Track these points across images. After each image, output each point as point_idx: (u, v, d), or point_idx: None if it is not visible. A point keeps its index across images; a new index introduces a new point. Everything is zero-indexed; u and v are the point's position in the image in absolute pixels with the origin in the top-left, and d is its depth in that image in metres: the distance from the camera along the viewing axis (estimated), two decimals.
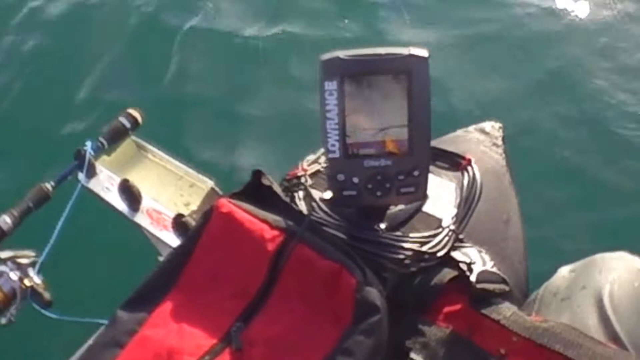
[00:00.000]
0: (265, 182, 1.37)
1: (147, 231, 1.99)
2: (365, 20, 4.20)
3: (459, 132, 1.75)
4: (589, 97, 3.67)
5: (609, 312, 1.30)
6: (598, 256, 1.45)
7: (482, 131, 1.72)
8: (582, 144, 3.42)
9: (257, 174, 1.38)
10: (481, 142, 1.69)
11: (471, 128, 1.74)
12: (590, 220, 3.05)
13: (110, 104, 3.62)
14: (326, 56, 1.26)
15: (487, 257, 1.34)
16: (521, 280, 1.52)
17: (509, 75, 3.81)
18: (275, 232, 1.25)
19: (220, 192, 2.01)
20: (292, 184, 1.48)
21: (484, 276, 1.27)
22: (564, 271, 1.48)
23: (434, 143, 1.36)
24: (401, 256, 1.29)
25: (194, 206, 2.01)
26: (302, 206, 1.41)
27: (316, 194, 1.42)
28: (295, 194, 1.45)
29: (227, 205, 1.30)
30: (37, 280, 1.72)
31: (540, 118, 3.56)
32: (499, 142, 1.69)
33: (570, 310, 1.36)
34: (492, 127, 1.73)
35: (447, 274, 1.29)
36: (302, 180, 1.47)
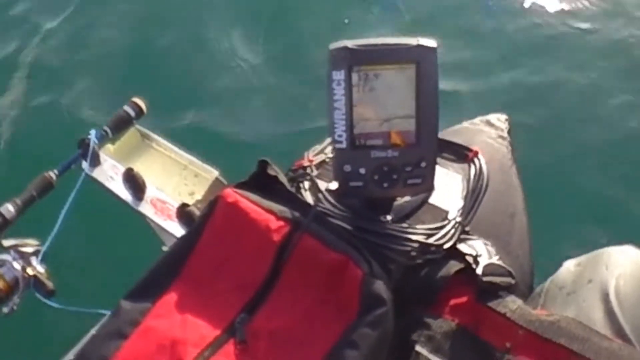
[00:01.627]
0: (271, 172, 1.37)
1: (151, 221, 1.98)
2: (365, 19, 4.18)
3: (465, 123, 1.75)
4: (593, 92, 3.66)
5: (615, 306, 1.30)
6: (604, 250, 1.44)
7: (488, 123, 1.71)
8: (588, 136, 3.42)
9: (263, 164, 1.37)
10: (487, 134, 1.68)
11: (477, 120, 1.74)
12: (597, 214, 3.04)
13: (114, 93, 3.62)
14: (334, 45, 1.25)
15: (493, 250, 1.34)
16: (526, 273, 1.52)
17: (514, 68, 3.80)
18: (281, 223, 1.25)
19: (225, 182, 2.01)
20: (298, 174, 1.47)
21: (490, 269, 1.27)
22: (570, 265, 1.48)
23: (439, 134, 1.35)
24: (407, 248, 1.28)
25: (199, 196, 2.01)
26: (308, 197, 1.40)
27: (322, 184, 1.41)
28: (301, 185, 1.44)
29: (232, 195, 1.29)
30: (40, 269, 1.72)
31: (545, 111, 3.55)
32: (505, 134, 1.69)
33: (575, 304, 1.36)
34: (498, 119, 1.73)
35: (453, 266, 1.29)
36: (308, 170, 1.47)
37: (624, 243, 1.45)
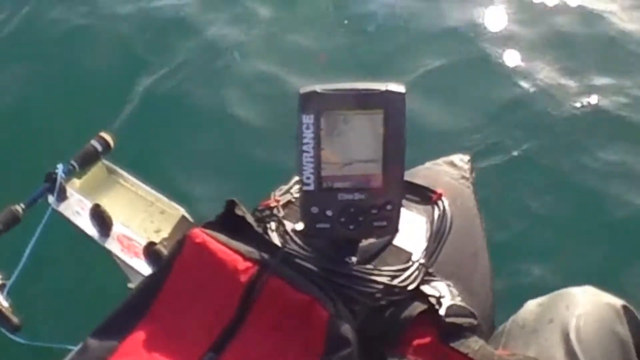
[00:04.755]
0: (238, 212, 1.38)
1: (118, 258, 1.97)
2: (363, 23, 4.20)
3: (428, 164, 1.77)
4: (556, 121, 3.65)
5: (575, 346, 1.32)
6: (565, 290, 1.47)
7: (451, 164, 1.74)
8: (551, 172, 3.40)
9: (231, 204, 1.39)
10: (450, 175, 1.70)
11: (440, 160, 1.76)
12: (557, 254, 3.03)
13: (82, 128, 3.59)
14: (304, 90, 1.27)
15: (455, 291, 1.35)
16: (488, 312, 1.54)
17: (480, 105, 3.79)
18: (248, 264, 1.26)
19: (192, 220, 2.01)
20: (265, 214, 1.48)
21: (452, 310, 1.29)
22: (532, 304, 1.50)
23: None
24: (372, 290, 1.29)
25: (165, 233, 2.01)
26: (275, 237, 1.41)
27: (289, 225, 1.42)
28: (268, 225, 1.45)
29: (200, 235, 1.30)
30: (5, 303, 1.71)
31: (507, 147, 3.54)
32: (467, 174, 1.72)
33: (537, 344, 1.38)
34: (461, 159, 1.76)
35: (417, 307, 1.30)
36: (275, 211, 1.48)
37: (585, 283, 1.48)
